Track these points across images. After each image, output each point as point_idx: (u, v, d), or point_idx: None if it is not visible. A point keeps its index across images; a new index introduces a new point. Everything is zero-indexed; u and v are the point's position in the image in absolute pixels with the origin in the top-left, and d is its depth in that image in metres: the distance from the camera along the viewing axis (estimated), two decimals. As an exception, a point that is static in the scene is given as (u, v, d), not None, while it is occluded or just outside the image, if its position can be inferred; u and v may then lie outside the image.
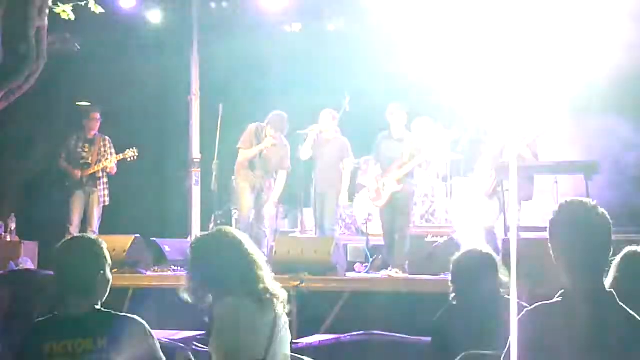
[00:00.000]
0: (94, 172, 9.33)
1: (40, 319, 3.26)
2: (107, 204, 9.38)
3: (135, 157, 9.36)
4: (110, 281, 3.30)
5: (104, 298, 3.29)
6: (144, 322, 3.22)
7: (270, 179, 8.92)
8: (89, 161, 9.26)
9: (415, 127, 9.94)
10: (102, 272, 3.25)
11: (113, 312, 3.23)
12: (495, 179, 8.35)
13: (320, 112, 9.08)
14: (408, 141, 8.68)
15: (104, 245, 3.31)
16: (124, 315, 3.22)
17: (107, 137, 9.49)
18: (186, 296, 3.53)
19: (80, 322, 3.14)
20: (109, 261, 3.31)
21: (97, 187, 9.28)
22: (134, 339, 3.15)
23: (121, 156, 9.31)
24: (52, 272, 3.34)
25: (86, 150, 9.34)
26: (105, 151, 9.39)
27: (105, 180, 9.41)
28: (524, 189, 8.41)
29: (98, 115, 9.39)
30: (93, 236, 3.44)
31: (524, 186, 8.41)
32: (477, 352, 3.53)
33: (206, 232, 3.89)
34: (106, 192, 9.38)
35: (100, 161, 9.26)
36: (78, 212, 9.21)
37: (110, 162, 9.28)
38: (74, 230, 9.13)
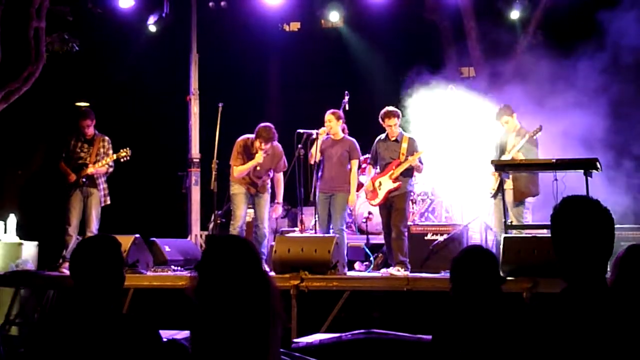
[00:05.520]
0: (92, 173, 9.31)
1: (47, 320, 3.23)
2: (107, 203, 9.36)
3: (129, 157, 9.32)
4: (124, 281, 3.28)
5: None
6: (152, 323, 3.21)
7: (265, 176, 8.89)
8: (87, 161, 9.23)
9: (413, 127, 9.95)
10: (119, 271, 3.24)
11: (123, 312, 3.23)
12: (498, 177, 8.34)
13: (324, 112, 9.00)
14: (404, 141, 8.68)
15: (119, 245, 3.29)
16: (132, 316, 3.21)
17: (106, 138, 9.46)
18: None
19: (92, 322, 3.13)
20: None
21: (96, 188, 9.25)
22: (142, 339, 3.14)
23: (115, 156, 9.28)
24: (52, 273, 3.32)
25: (85, 150, 9.32)
26: (104, 152, 9.37)
27: (104, 180, 9.38)
28: (529, 187, 8.41)
29: (89, 122, 9.34)
30: (109, 236, 3.38)
31: (529, 183, 8.40)
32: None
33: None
34: (106, 192, 9.35)
35: (98, 161, 9.24)
36: (76, 212, 9.18)
37: (106, 162, 9.24)
38: (73, 230, 9.10)
